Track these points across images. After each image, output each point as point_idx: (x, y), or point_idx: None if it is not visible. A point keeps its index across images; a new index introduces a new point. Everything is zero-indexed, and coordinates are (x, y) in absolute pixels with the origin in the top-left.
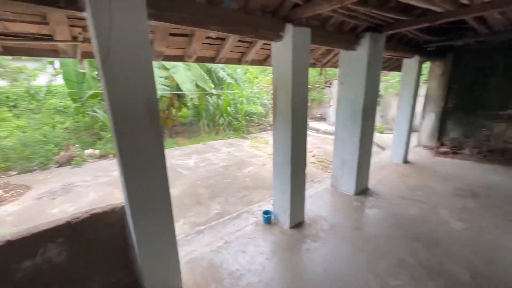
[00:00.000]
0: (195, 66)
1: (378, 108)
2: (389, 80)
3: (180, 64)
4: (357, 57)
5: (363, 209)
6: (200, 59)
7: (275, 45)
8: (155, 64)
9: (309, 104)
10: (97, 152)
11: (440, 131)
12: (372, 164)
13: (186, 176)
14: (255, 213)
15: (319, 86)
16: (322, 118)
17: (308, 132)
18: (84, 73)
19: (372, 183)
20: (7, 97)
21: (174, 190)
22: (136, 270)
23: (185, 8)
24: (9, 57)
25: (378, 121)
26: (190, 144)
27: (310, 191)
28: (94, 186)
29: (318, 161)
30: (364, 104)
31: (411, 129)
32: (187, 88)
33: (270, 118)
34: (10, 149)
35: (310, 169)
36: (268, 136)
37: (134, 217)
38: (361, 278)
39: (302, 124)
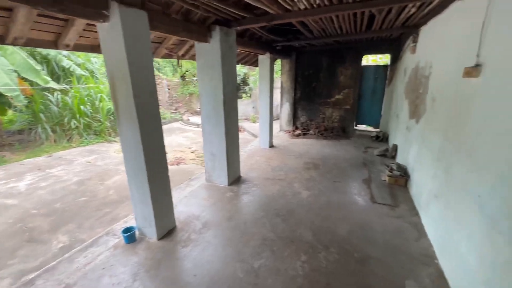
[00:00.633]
0: (15, 50)
1: (251, 100)
2: (256, 75)
3: None
4: (211, 50)
5: (236, 198)
6: None
7: (102, 28)
8: None
9: (187, 97)
10: None
11: (294, 117)
12: (246, 152)
13: (11, 208)
14: (118, 232)
15: (196, 79)
16: None
17: (189, 128)
18: None
19: (243, 171)
20: None
21: None
22: None
23: None
24: None
25: (251, 112)
26: (25, 159)
27: (186, 190)
28: None
29: (197, 157)
30: (224, 97)
31: (272, 117)
32: (2, 82)
33: None
34: None
35: (189, 166)
36: None
37: None
38: (229, 270)
39: (154, 121)
